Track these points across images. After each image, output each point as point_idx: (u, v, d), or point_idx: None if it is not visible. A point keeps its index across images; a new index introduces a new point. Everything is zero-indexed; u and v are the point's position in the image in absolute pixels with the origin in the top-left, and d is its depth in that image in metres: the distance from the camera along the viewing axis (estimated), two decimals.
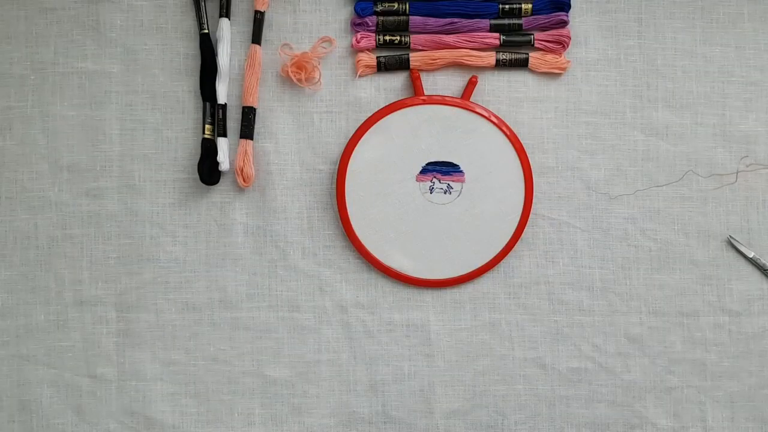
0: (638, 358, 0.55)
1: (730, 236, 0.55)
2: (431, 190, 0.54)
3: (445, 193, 0.54)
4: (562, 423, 0.55)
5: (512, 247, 0.55)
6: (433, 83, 0.55)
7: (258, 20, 0.54)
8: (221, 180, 0.55)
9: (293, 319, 0.56)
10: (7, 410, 0.55)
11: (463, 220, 0.55)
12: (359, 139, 0.54)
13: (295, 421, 0.54)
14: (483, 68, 0.55)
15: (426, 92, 0.54)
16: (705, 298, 0.55)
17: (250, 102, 0.54)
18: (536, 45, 0.54)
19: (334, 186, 0.55)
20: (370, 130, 0.54)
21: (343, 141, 0.56)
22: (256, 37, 0.54)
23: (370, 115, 0.55)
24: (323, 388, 0.55)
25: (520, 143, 0.55)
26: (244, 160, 0.54)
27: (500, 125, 0.54)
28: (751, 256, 0.54)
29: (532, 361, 0.55)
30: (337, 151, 0.56)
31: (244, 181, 0.54)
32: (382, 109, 0.54)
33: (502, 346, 0.55)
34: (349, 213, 0.55)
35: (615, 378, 0.55)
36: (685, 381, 0.55)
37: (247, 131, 0.54)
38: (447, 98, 0.53)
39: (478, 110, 0.54)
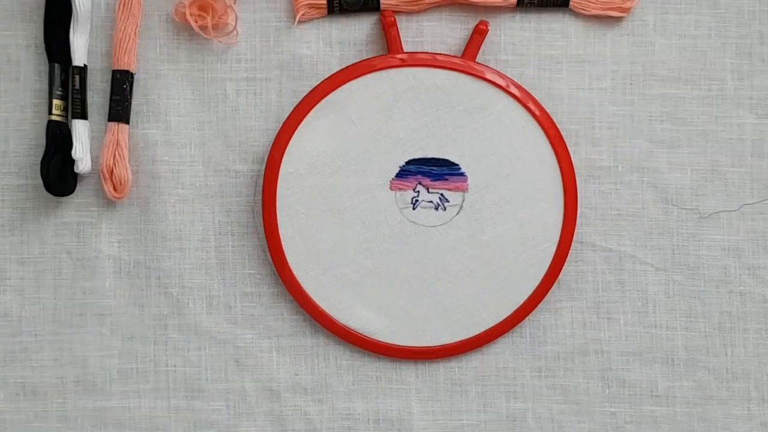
0: None
1: None
2: (414, 203, 0.53)
3: (436, 208, 0.52)
4: None
5: (544, 296, 0.54)
6: (418, 33, 0.54)
7: None
8: (78, 188, 0.53)
9: (194, 410, 0.54)
10: None
11: (464, 251, 0.53)
12: (299, 124, 0.53)
13: None
14: (497, 10, 0.54)
15: (406, 48, 0.54)
16: None
17: (124, 64, 0.52)
18: None
19: (260, 198, 0.53)
20: (316, 109, 0.53)
21: (274, 126, 0.54)
22: None
23: (316, 84, 0.53)
24: None
25: (557, 129, 0.53)
26: (115, 157, 0.52)
27: (525, 100, 0.53)
28: None
29: None
30: (263, 141, 0.54)
31: (115, 189, 0.52)
32: (335, 75, 0.53)
33: None
34: (282, 241, 0.53)
35: None
36: None
37: (119, 110, 0.52)
38: (439, 57, 0.52)
39: (489, 77, 0.52)
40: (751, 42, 0.53)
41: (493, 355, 0.53)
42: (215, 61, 0.53)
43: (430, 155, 0.52)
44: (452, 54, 0.53)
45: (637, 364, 0.53)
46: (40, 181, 0.51)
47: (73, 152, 0.50)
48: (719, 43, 0.53)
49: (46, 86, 0.52)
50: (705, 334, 0.53)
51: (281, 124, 0.53)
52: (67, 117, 0.51)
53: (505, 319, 0.53)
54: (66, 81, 0.51)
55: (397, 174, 0.53)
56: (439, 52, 0.53)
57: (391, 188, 0.53)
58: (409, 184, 0.53)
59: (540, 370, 0.53)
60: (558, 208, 0.53)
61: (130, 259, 0.53)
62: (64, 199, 0.52)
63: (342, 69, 0.52)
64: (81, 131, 0.51)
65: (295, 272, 0.53)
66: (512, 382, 0.53)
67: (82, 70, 0.51)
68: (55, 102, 0.51)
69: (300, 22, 0.52)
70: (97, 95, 0.52)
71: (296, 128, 0.52)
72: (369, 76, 0.52)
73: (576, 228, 0.53)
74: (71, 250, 0.53)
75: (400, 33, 0.52)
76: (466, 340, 0.53)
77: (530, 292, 0.54)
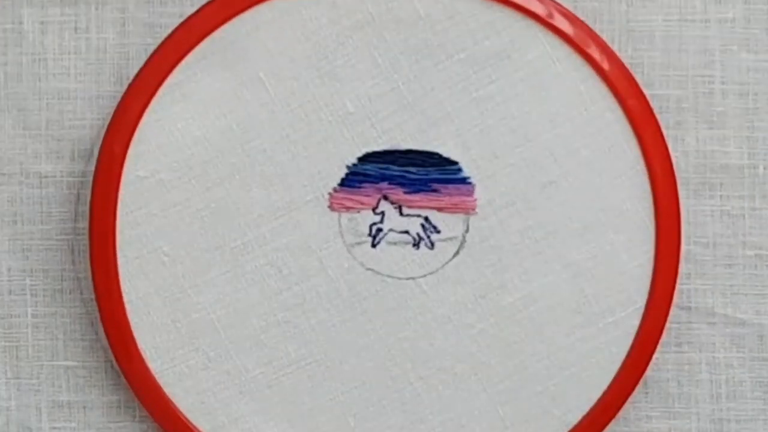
0: None
1: None
2: (375, 234, 0.47)
3: (416, 245, 0.47)
4: None
5: (620, 408, 0.48)
6: None
7: None
8: None
9: None
10: None
11: (468, 327, 0.49)
12: (159, 87, 0.48)
13: None
14: None
15: None
16: None
17: None
18: None
19: (84, 225, 0.47)
20: (189, 59, 0.48)
21: (112, 92, 0.49)
22: None
23: (190, 12, 0.47)
24: None
25: (644, 98, 0.49)
26: None
27: (582, 42, 0.48)
28: None
29: None
30: (93, 120, 0.49)
31: None
32: (195, 18, 0.49)
33: None
34: (127, 307, 0.47)
35: None
36: None
37: None
38: None
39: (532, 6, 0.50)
40: None
41: None
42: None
43: (404, 146, 0.47)
44: None
45: None
46: None
47: None
48: None
49: None
50: None
51: (125, 89, 0.47)
52: None
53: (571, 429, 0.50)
54: None
55: (342, 180, 0.47)
56: None
57: (331, 207, 0.47)
58: (365, 198, 0.47)
59: None
60: (645, 245, 0.48)
61: None
62: None
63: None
64: None
65: (150, 365, 0.47)
66: None
67: None
68: None
69: None
70: None
71: (153, 96, 0.47)
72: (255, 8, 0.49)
73: (678, 282, 0.47)
74: None
75: None
76: None
77: (594, 402, 0.48)
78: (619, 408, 0.49)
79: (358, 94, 0.47)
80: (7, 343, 0.50)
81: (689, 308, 0.50)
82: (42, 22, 0.50)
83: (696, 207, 0.50)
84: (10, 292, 0.50)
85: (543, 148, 0.48)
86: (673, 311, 0.48)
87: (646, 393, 0.50)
